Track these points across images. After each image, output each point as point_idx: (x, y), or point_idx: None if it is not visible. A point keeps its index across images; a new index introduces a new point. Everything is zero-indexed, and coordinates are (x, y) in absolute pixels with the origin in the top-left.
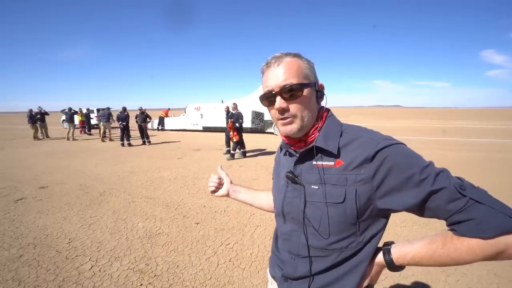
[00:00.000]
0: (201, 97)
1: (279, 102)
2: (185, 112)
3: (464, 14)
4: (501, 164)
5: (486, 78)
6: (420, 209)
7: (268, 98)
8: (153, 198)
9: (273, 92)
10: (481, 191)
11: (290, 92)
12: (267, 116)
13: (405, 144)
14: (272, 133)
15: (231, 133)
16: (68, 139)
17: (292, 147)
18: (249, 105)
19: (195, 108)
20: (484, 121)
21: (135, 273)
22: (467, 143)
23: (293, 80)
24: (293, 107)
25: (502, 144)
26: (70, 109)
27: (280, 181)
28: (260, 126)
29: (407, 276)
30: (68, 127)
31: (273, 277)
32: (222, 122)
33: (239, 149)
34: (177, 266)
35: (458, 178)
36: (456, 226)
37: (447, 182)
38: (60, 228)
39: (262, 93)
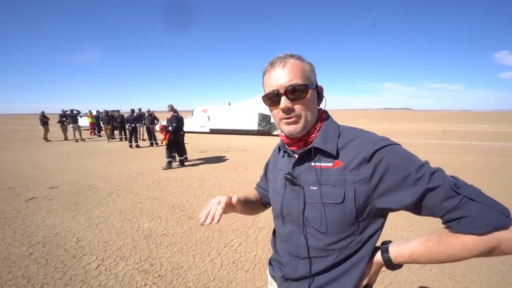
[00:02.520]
0: (209, 99)
1: (285, 102)
2: (192, 115)
3: (477, 15)
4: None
5: (500, 80)
6: (416, 207)
7: (271, 98)
8: (159, 199)
9: (278, 92)
10: (474, 189)
11: (295, 93)
12: None
13: (400, 145)
14: (278, 135)
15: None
16: (76, 141)
17: (290, 147)
18: (256, 107)
19: (202, 111)
20: (491, 124)
21: (140, 273)
22: (468, 146)
23: (299, 81)
24: (298, 107)
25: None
26: (72, 110)
27: (278, 183)
28: (266, 128)
29: (413, 282)
30: (73, 129)
31: (273, 277)
32: (229, 125)
33: (179, 156)
34: (181, 267)
35: (453, 177)
36: (451, 223)
37: (442, 180)
38: (69, 227)
39: (264, 92)
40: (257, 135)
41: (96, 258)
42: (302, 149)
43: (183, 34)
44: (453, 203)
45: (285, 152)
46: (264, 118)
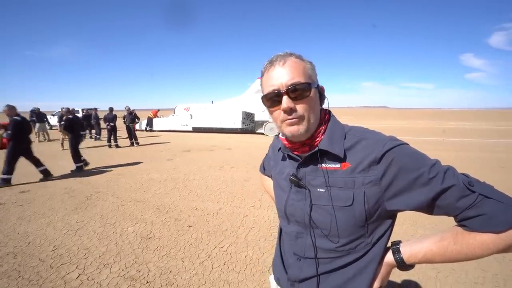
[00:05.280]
0: (191, 97)
1: (287, 101)
2: (174, 113)
3: (445, 16)
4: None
5: (465, 81)
6: (429, 207)
7: (272, 99)
8: (142, 201)
9: (280, 92)
10: (487, 186)
11: (298, 92)
12: (258, 117)
13: (408, 144)
14: (262, 133)
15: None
16: (40, 141)
17: (294, 152)
18: (240, 105)
19: (184, 109)
20: (471, 122)
21: (126, 280)
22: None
23: (301, 79)
24: (300, 108)
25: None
26: (38, 109)
27: (282, 181)
28: (250, 126)
29: (400, 274)
30: (39, 129)
31: (278, 282)
32: (212, 123)
33: (37, 167)
34: (170, 271)
35: (463, 174)
36: (466, 222)
37: (455, 179)
38: (44, 235)
39: (262, 93)
40: (241, 133)
41: (76, 267)
42: (307, 153)
43: (166, 31)
44: (468, 202)
45: (287, 154)
46: (247, 117)
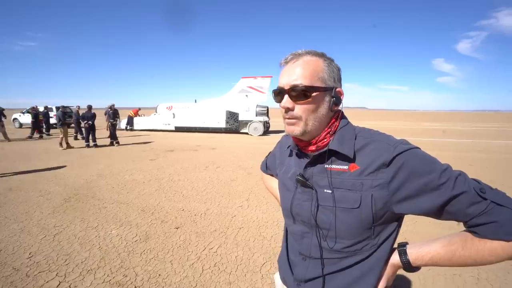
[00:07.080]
0: (173, 96)
1: (285, 101)
2: (156, 112)
3: (420, 20)
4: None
5: (437, 84)
6: (438, 212)
7: (277, 95)
8: (126, 202)
9: (283, 90)
10: (500, 193)
11: (298, 94)
12: (242, 116)
13: (420, 148)
14: (246, 133)
15: None
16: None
17: (303, 150)
18: (224, 105)
19: (167, 108)
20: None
21: (112, 286)
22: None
23: (304, 81)
24: (298, 109)
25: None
26: None
27: (288, 180)
28: (234, 126)
29: None
30: None
31: (284, 282)
32: (196, 122)
33: None
34: (159, 275)
35: (475, 180)
36: (477, 228)
37: (466, 185)
38: (17, 241)
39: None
40: (225, 133)
41: (56, 275)
42: (315, 152)
43: (149, 26)
44: (480, 209)
45: (296, 151)
46: (232, 116)
